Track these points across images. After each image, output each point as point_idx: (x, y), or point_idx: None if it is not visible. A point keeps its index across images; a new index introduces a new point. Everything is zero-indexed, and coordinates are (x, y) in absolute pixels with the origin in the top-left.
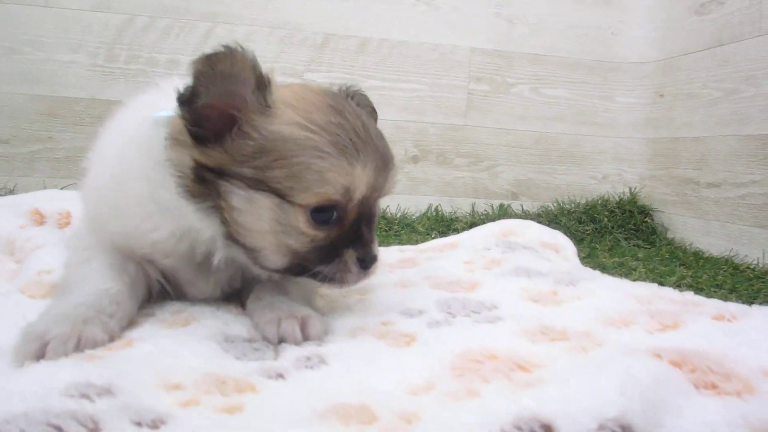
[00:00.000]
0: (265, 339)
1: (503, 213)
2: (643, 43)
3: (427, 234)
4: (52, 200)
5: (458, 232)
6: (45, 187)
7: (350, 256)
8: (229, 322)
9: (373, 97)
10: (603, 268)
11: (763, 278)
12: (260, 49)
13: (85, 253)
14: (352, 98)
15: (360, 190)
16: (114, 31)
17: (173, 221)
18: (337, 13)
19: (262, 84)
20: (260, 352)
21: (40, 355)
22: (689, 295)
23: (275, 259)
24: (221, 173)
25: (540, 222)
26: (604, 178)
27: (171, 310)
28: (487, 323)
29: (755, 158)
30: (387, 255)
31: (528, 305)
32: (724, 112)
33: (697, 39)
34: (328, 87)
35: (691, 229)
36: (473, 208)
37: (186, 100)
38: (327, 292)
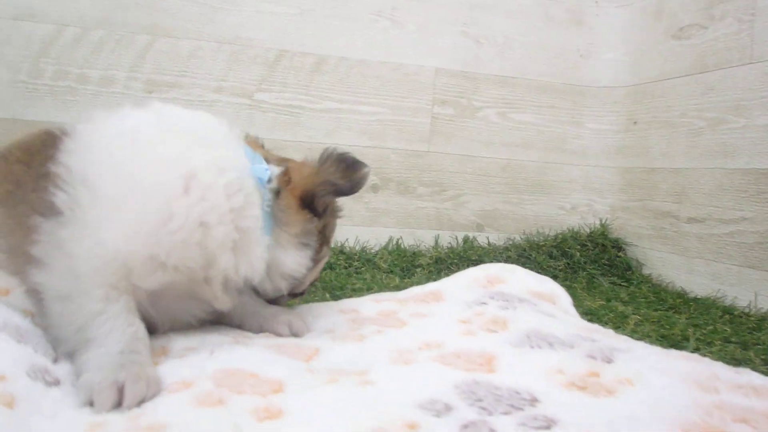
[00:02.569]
0: (278, 335)
1: (468, 246)
2: (614, 67)
3: (391, 271)
4: None
5: (423, 269)
6: None
7: None
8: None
9: (330, 121)
10: (593, 315)
11: (762, 326)
12: (206, 67)
13: (95, 304)
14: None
15: None
16: (39, 43)
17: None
18: (291, 28)
19: None
20: None
21: (119, 401)
22: (748, 375)
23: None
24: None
25: (508, 256)
26: (573, 209)
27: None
28: None
29: (745, 193)
30: (363, 306)
31: (575, 397)
32: (709, 143)
33: (675, 64)
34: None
35: (670, 265)
36: (437, 240)
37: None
38: None
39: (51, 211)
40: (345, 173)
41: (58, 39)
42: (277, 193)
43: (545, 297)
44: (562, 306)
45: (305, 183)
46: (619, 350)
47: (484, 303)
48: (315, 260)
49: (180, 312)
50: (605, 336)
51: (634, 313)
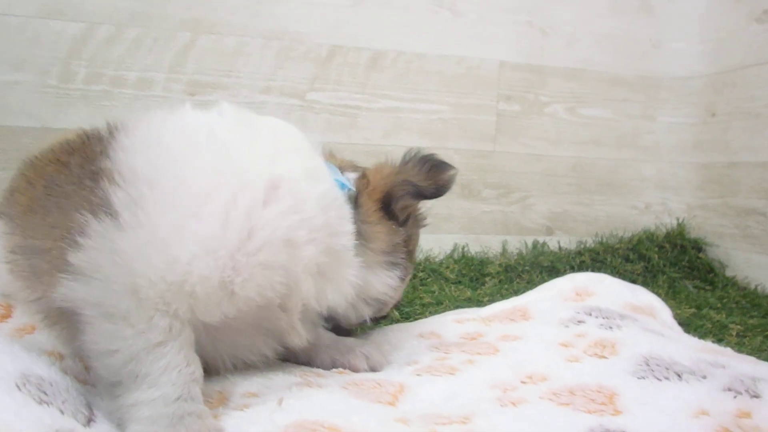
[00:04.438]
0: (355, 371)
1: (538, 252)
2: (688, 56)
3: (459, 282)
4: None
5: (492, 278)
6: None
7: None
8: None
9: (388, 121)
10: (687, 326)
11: None
12: (252, 65)
13: (156, 334)
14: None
15: None
16: (69, 43)
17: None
18: (344, 22)
19: None
20: None
21: None
22: None
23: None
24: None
25: (582, 261)
26: (647, 209)
27: None
28: None
29: None
30: (444, 329)
31: None
32: None
33: (759, 50)
34: None
35: (757, 266)
36: (504, 246)
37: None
38: None
39: (104, 209)
40: (429, 175)
41: (90, 38)
42: (355, 200)
43: (643, 310)
44: (664, 320)
45: (385, 183)
46: (761, 379)
47: (582, 321)
48: (402, 279)
49: (243, 350)
50: (732, 359)
51: (731, 322)
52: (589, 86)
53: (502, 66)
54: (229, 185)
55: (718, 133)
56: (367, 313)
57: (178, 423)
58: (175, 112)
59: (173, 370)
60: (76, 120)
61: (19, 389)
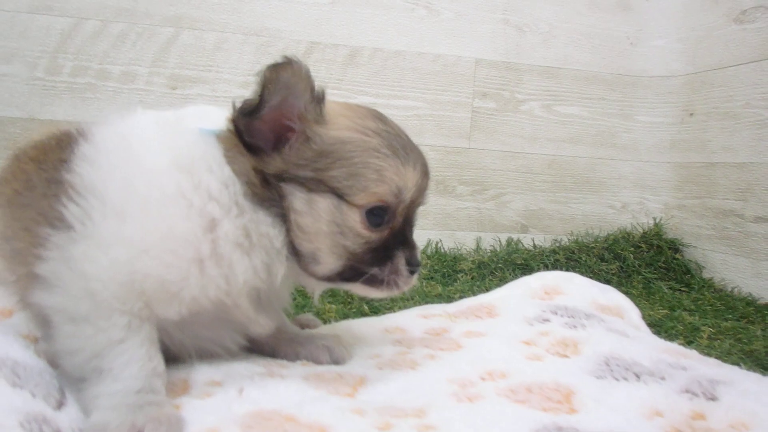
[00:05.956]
0: (318, 363)
1: (512, 249)
2: (666, 55)
3: (431, 277)
4: None
5: (465, 274)
6: None
7: (400, 258)
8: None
9: None
10: (658, 327)
11: None
12: (233, 60)
13: (116, 332)
14: None
15: (410, 192)
16: (57, 37)
17: (259, 246)
18: (322, 19)
19: (318, 97)
20: None
21: None
22: None
23: (330, 261)
24: (281, 178)
25: (556, 260)
26: (624, 208)
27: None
28: None
29: None
30: (410, 324)
31: None
32: None
33: (737, 51)
34: None
35: (734, 268)
36: (478, 243)
37: (252, 110)
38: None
39: (61, 222)
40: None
41: (77, 33)
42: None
43: (611, 310)
44: (631, 321)
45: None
46: (720, 382)
47: (547, 320)
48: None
49: (208, 342)
50: (695, 361)
51: (704, 325)
52: (566, 84)
53: (477, 63)
54: (154, 191)
55: (696, 132)
56: (280, 273)
57: (138, 411)
58: (124, 121)
59: (135, 364)
60: (61, 111)
61: None
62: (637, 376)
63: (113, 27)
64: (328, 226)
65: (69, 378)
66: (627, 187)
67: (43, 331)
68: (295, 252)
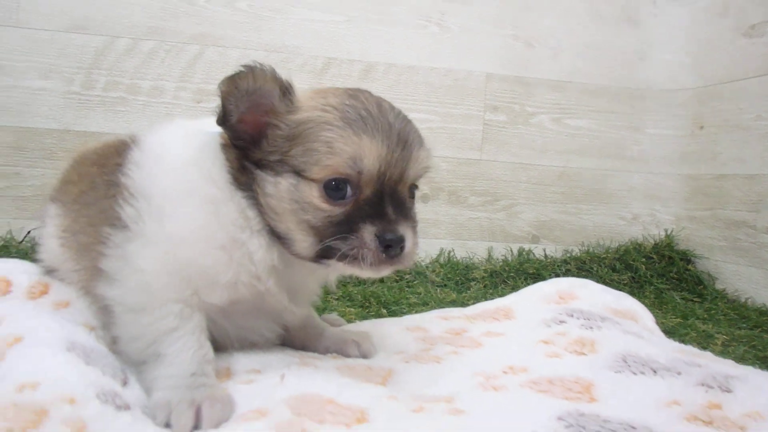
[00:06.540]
0: (346, 356)
1: (524, 259)
2: (675, 68)
3: (444, 285)
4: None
5: (477, 282)
6: (10, 230)
7: (367, 230)
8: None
9: None
10: (671, 334)
11: None
12: None
13: (170, 320)
14: None
15: (369, 161)
16: (92, 54)
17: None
18: (339, 36)
19: (286, 90)
20: None
21: (196, 424)
22: None
23: (300, 239)
24: (258, 166)
25: (567, 270)
26: (635, 219)
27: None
28: None
29: None
30: (430, 324)
31: None
32: None
33: (746, 64)
34: None
35: (747, 279)
36: (489, 253)
37: (221, 120)
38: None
39: (119, 222)
40: None
41: (110, 50)
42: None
43: (625, 315)
44: (645, 325)
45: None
46: (735, 378)
47: (563, 321)
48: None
49: (248, 331)
50: (710, 360)
51: (717, 332)
52: (575, 97)
53: (488, 77)
54: (175, 187)
55: (706, 144)
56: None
57: (194, 390)
58: (165, 128)
59: (187, 352)
60: (95, 124)
61: (69, 351)
62: (654, 371)
63: (143, 45)
64: (290, 204)
65: (129, 362)
66: (637, 198)
67: (103, 319)
68: (277, 235)
